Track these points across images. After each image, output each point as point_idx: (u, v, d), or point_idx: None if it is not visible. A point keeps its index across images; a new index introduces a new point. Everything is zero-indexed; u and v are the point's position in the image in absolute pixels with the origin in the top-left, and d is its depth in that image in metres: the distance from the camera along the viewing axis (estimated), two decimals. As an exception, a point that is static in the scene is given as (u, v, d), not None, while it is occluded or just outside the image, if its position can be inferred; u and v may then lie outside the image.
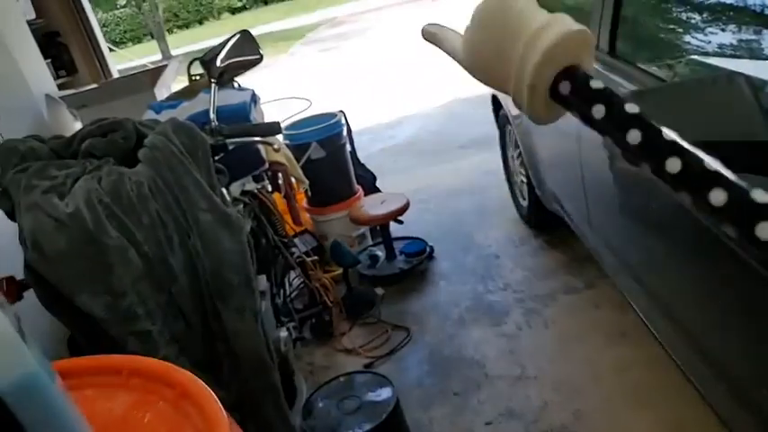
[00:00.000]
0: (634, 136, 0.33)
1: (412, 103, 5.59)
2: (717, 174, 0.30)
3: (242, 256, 1.32)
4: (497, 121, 3.00)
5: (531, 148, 2.45)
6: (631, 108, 0.33)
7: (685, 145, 0.32)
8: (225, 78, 1.60)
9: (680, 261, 1.34)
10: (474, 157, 3.85)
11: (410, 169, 4.02)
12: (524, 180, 2.73)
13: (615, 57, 1.58)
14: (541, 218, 2.68)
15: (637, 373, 1.90)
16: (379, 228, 2.83)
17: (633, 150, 0.33)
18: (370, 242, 2.99)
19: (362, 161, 3.24)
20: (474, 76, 0.42)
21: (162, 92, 2.82)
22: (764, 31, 1.18)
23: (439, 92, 5.58)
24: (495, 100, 2.91)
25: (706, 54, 1.29)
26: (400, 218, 2.74)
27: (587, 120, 0.36)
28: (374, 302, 2.56)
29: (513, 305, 2.41)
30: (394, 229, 2.82)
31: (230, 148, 1.51)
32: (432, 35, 0.45)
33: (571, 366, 2.03)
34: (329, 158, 2.80)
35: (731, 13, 1.34)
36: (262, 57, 1.65)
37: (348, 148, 2.99)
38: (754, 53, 1.17)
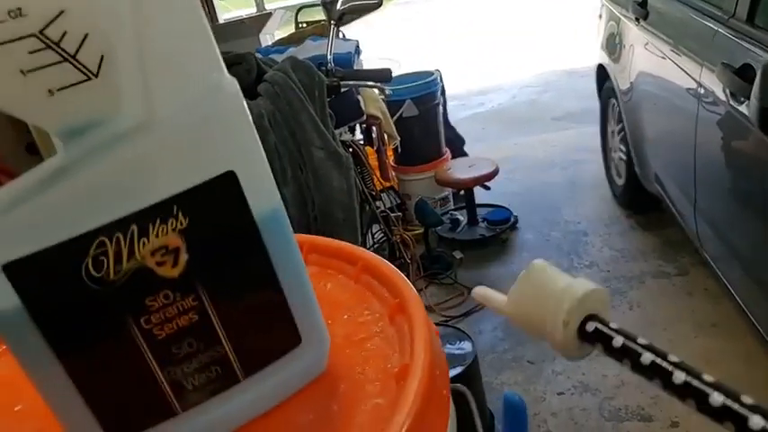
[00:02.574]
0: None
1: (504, 72, 5.43)
2: None
3: (349, 196, 1.36)
4: (600, 93, 2.88)
5: (636, 125, 2.34)
6: (646, 359, 0.36)
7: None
8: (343, 21, 1.62)
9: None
10: (567, 131, 3.72)
11: (498, 138, 3.94)
12: (623, 157, 2.62)
13: (753, 26, 1.47)
14: (637, 198, 2.58)
15: (727, 365, 1.82)
16: (464, 192, 2.82)
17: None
18: (452, 206, 2.98)
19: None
20: (516, 322, 0.46)
21: (266, 38, 2.90)
22: None
23: (534, 62, 5.40)
24: (600, 71, 2.79)
25: None
26: (487, 184, 2.71)
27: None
28: (452, 265, 2.57)
29: (598, 284, 2.35)
30: (478, 195, 2.80)
31: (343, 90, 1.54)
32: (481, 297, 0.50)
33: (654, 351, 1.97)
34: (421, 117, 2.80)
35: None
36: (381, 2, 1.65)
37: (441, 109, 2.96)
38: None
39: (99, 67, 0.38)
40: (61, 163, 0.38)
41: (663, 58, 1.97)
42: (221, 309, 0.44)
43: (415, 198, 2.76)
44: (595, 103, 2.95)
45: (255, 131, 0.43)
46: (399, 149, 2.72)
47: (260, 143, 0.43)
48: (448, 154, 2.99)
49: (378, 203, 2.37)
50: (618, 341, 0.38)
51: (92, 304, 0.40)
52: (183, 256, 0.41)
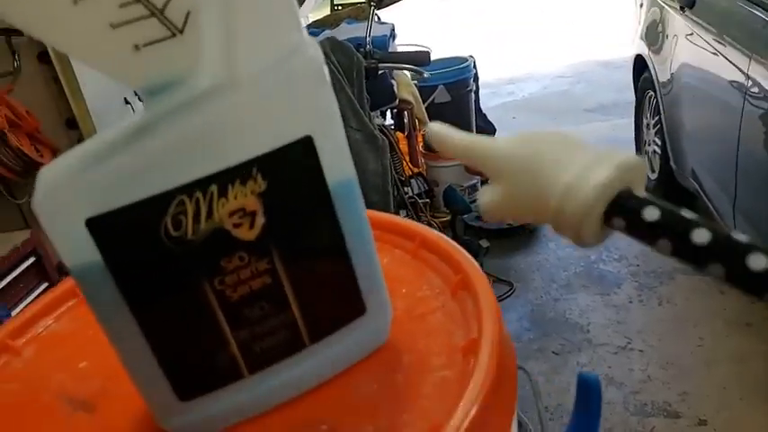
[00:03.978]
0: (713, 268, 0.30)
1: (536, 61, 5.35)
2: None
3: (384, 178, 1.36)
4: (636, 85, 2.82)
5: (675, 118, 2.29)
6: (699, 237, 0.30)
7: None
8: (383, 4, 1.61)
9: None
10: (600, 123, 3.66)
11: (529, 128, 3.89)
12: (657, 151, 2.57)
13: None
14: (669, 193, 2.53)
15: (759, 365, 1.79)
16: (493, 181, 2.79)
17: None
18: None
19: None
20: (499, 189, 0.39)
21: (301, 21, 2.88)
22: None
23: (567, 52, 5.30)
24: (638, 62, 2.72)
25: None
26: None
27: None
28: (478, 253, 2.56)
29: (626, 277, 2.32)
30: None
31: (380, 73, 1.53)
32: (438, 136, 0.43)
33: (682, 348, 1.94)
34: (453, 104, 2.77)
35: None
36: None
37: (473, 96, 2.93)
38: None
39: (184, 23, 0.38)
40: (143, 121, 0.38)
41: (708, 49, 1.92)
42: (293, 274, 0.44)
43: (443, 185, 2.74)
44: (629, 96, 2.90)
45: (334, 97, 0.42)
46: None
47: (338, 110, 0.43)
48: (478, 142, 2.95)
49: (406, 189, 2.36)
50: (652, 213, 0.32)
51: (168, 263, 0.40)
52: (260, 220, 0.41)
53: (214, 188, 0.39)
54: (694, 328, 2.02)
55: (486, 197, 0.40)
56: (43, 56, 1.74)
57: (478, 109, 3.07)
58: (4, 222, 1.81)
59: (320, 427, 0.44)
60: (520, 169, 0.37)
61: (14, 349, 0.58)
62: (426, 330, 0.50)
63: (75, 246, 0.38)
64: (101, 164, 0.37)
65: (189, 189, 0.39)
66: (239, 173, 0.40)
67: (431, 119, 2.75)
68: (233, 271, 0.42)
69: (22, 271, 1.62)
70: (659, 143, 2.53)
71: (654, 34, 2.52)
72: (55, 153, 1.83)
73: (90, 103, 1.83)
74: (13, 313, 1.45)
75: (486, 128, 3.12)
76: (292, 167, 0.42)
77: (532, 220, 0.39)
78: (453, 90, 2.75)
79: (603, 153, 0.35)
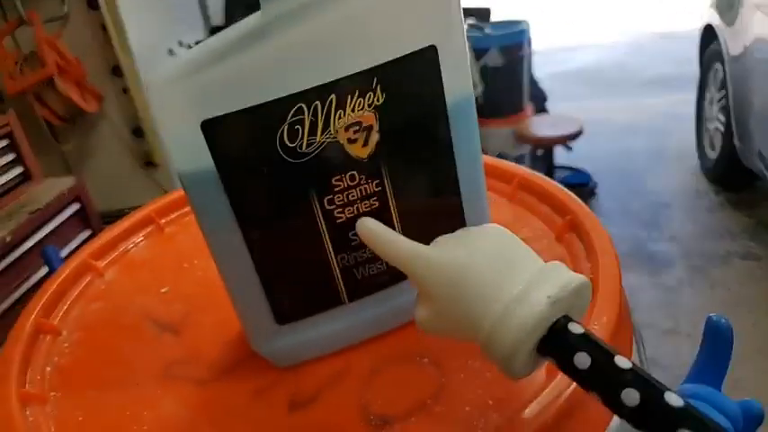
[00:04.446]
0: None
1: (592, 30, 5.15)
2: None
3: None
4: (701, 57, 2.67)
5: (744, 95, 2.16)
6: (629, 398, 0.28)
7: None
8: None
9: None
10: (657, 97, 3.51)
11: (581, 98, 3.76)
12: (720, 128, 2.45)
13: None
14: (730, 173, 2.42)
15: (818, 356, 1.72)
16: (543, 151, 2.71)
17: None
18: (527, 165, 2.89)
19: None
20: (427, 302, 0.35)
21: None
22: None
23: (625, 22, 5.08)
24: (707, 32, 2.58)
25: None
26: (569, 144, 2.60)
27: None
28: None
29: (677, 259, 2.24)
30: (556, 156, 2.69)
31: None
32: (368, 232, 0.38)
33: (736, 334, 1.85)
34: (506, 68, 2.68)
35: None
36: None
37: (526, 61, 2.83)
38: None
39: None
40: (259, 24, 0.36)
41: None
42: (401, 199, 0.41)
43: (492, 153, 2.68)
44: (688, 70, 2.76)
45: (460, 7, 0.39)
46: (481, 100, 2.63)
47: (463, 21, 0.39)
48: (529, 109, 2.87)
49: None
50: (584, 361, 0.28)
51: (281, 175, 0.38)
52: (375, 137, 0.39)
53: (333, 97, 0.37)
54: (749, 313, 1.94)
55: (420, 311, 0.36)
56: (92, 1, 1.73)
57: (531, 76, 2.97)
58: (49, 167, 1.84)
59: (421, 360, 0.42)
60: (447, 284, 0.33)
61: (97, 269, 0.58)
62: (530, 272, 0.47)
63: (188, 150, 0.36)
64: (216, 65, 0.35)
65: (308, 96, 0.36)
66: (359, 82, 0.37)
67: (484, 84, 2.68)
68: (343, 191, 0.39)
69: (67, 218, 1.63)
70: (723, 120, 2.41)
71: (728, 4, 2.37)
72: (100, 101, 1.84)
73: (136, 52, 1.82)
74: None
75: (537, 95, 3.02)
76: (412, 80, 0.38)
77: (466, 340, 0.34)
78: (506, 53, 2.66)
79: (538, 277, 0.32)
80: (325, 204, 0.40)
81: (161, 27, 2.03)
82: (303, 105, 0.36)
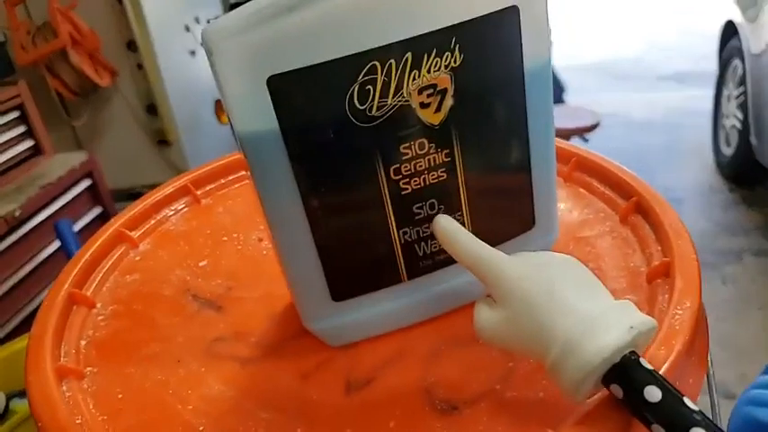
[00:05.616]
0: None
1: (606, 23, 5.09)
2: None
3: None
4: (721, 53, 2.64)
5: (764, 92, 2.13)
6: None
7: None
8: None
9: None
10: (673, 92, 3.47)
11: (595, 91, 3.72)
12: (737, 125, 2.42)
13: None
14: (745, 170, 2.39)
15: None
16: (556, 143, 2.68)
17: None
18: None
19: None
20: (497, 319, 0.35)
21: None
22: None
23: (641, 16, 5.02)
24: (728, 28, 2.54)
25: None
26: (587, 136, 2.57)
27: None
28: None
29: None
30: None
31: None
32: (446, 232, 0.37)
33: (744, 330, 1.86)
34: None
35: None
36: None
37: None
38: None
39: None
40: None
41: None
42: (470, 172, 0.39)
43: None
44: (706, 66, 2.72)
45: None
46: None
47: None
48: (543, 100, 2.84)
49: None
50: (654, 394, 0.29)
51: (347, 140, 0.35)
52: (448, 102, 0.36)
53: (409, 56, 0.34)
54: (759, 310, 1.93)
55: (484, 315, 0.35)
56: (107, -28, 1.69)
57: (547, 67, 2.93)
58: (60, 143, 1.81)
59: (478, 343, 0.39)
60: (522, 300, 0.33)
61: (131, 240, 0.55)
62: (595, 254, 0.45)
63: (251, 109, 0.33)
64: (285, 17, 0.32)
65: (383, 53, 0.33)
66: (438, 40, 0.34)
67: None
68: (411, 160, 0.37)
69: (78, 194, 1.60)
70: (740, 117, 2.38)
71: (750, 0, 2.33)
72: (113, 75, 1.80)
73: (152, 27, 1.79)
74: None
75: (555, 87, 2.97)
76: (492, 42, 0.36)
77: (527, 356, 0.35)
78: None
79: (616, 308, 0.32)
80: (392, 174, 0.37)
81: (178, 2, 1.99)
82: (377, 63, 0.34)
